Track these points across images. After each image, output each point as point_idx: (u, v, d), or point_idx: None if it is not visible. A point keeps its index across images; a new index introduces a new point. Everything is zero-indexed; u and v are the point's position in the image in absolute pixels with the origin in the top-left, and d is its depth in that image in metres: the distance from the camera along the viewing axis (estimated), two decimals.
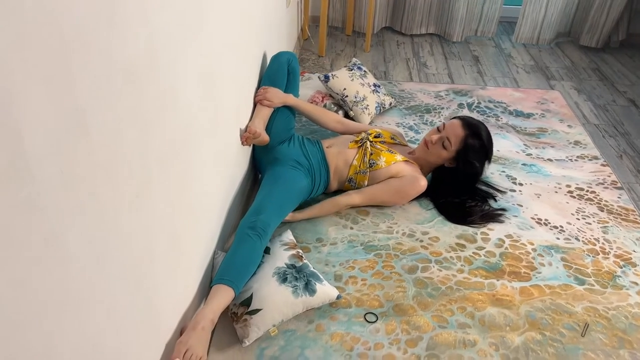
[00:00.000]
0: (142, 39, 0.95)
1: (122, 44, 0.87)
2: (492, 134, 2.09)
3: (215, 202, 1.61)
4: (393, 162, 2.01)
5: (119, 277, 0.96)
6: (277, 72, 2.10)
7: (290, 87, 2.16)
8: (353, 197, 2.00)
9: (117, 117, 0.88)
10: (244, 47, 1.84)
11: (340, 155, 2.04)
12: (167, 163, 1.14)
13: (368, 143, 2.06)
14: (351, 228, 1.94)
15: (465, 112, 2.80)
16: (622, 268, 1.84)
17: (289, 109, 2.13)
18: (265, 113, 2.01)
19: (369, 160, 2.01)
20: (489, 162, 2.08)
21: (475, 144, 2.00)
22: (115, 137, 0.88)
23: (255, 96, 2.04)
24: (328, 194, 2.09)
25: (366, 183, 2.01)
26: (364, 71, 2.75)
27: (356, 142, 2.08)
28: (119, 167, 0.90)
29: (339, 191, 2.10)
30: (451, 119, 2.11)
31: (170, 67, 1.10)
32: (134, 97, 0.94)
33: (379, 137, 2.12)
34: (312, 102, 2.63)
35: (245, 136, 1.87)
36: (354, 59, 2.82)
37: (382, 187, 2.00)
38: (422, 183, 2.01)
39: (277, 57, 2.12)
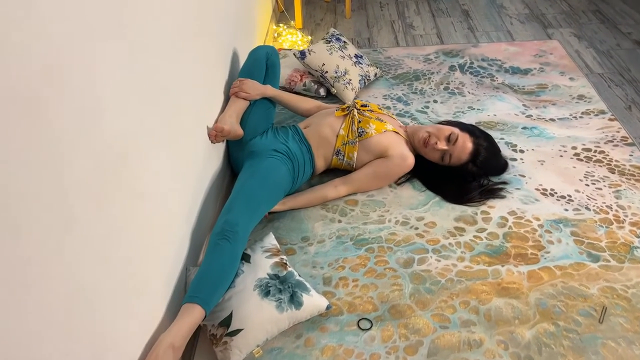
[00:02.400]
0: (35, 56, 0.77)
1: (8, 66, 0.70)
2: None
3: (179, 214, 1.45)
4: (384, 130, 1.85)
5: (51, 326, 0.81)
6: (253, 66, 1.98)
7: (269, 81, 2.02)
8: (339, 190, 1.85)
9: (9, 160, 0.71)
10: (201, 33, 1.64)
11: (324, 126, 1.87)
12: (104, 185, 0.97)
13: (355, 111, 1.89)
14: (339, 221, 1.78)
15: (457, 75, 2.59)
16: (639, 237, 1.67)
17: (269, 100, 1.98)
18: (239, 106, 1.86)
19: (358, 129, 1.84)
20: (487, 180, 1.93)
21: (473, 170, 1.87)
22: (8, 183, 0.71)
23: (230, 89, 1.90)
24: (317, 176, 1.94)
25: (355, 155, 1.84)
26: (344, 42, 2.53)
27: (342, 109, 1.91)
28: (24, 211, 0.74)
29: (328, 172, 1.94)
30: (469, 129, 1.89)
31: (84, 80, 0.92)
32: (33, 129, 0.77)
33: (366, 106, 1.95)
34: (290, 82, 2.44)
35: (212, 134, 1.70)
36: (331, 30, 2.60)
37: (368, 172, 1.84)
38: (410, 161, 1.84)
39: (254, 51, 2.02)
